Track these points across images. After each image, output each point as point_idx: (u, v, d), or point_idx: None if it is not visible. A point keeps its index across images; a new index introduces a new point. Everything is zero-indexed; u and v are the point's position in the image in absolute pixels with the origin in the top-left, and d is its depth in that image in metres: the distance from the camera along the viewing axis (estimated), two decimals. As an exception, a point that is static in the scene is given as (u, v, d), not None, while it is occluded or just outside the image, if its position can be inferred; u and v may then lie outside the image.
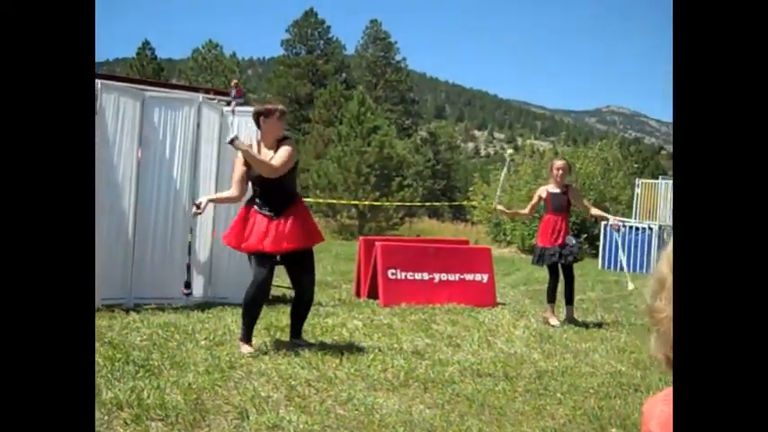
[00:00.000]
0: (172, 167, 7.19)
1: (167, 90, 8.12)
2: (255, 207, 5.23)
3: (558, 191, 7.28)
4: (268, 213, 5.18)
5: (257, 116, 5.36)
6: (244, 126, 7.65)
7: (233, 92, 8.29)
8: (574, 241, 7.25)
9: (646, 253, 16.38)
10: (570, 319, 7.18)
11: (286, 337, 5.65)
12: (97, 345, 5.09)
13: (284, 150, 5.20)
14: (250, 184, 5.34)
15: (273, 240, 5.13)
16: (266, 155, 5.23)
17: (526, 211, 7.83)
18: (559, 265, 7.15)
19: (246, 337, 5.27)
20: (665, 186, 19.02)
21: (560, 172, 7.31)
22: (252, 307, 5.27)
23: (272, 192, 5.22)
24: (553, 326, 6.84)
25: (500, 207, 8.25)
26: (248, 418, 3.64)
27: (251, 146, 5.28)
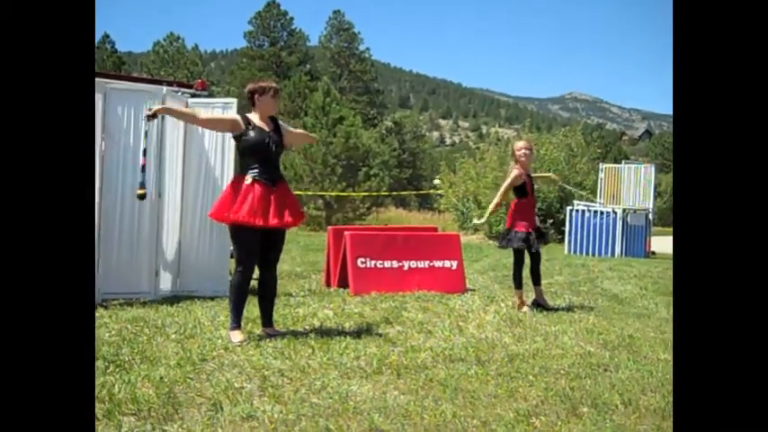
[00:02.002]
0: (136, 160, 7.07)
1: (129, 82, 7.99)
2: (253, 177, 5.20)
3: (525, 173, 7.25)
4: (267, 183, 5.23)
5: (251, 94, 5.38)
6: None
7: (195, 85, 8.22)
8: (542, 224, 7.33)
9: (610, 236, 16.59)
10: (540, 302, 7.23)
11: (257, 328, 5.62)
12: (65, 341, 5.02)
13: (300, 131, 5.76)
14: (233, 153, 5.34)
15: (276, 214, 5.20)
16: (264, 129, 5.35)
17: (508, 191, 7.30)
18: (526, 250, 7.18)
19: (237, 324, 5.31)
20: (627, 171, 19.27)
21: (526, 152, 7.20)
22: (242, 288, 5.33)
23: (271, 163, 5.32)
24: (523, 311, 6.89)
25: (479, 221, 7.97)
26: (222, 409, 3.62)
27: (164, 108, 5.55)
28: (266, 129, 5.34)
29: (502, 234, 7.49)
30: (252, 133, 5.26)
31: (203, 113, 5.46)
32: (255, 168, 5.24)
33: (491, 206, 7.46)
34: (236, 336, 5.22)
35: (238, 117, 5.37)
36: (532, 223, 7.17)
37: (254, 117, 5.36)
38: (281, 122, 5.53)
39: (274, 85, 5.49)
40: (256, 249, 5.29)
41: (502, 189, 7.23)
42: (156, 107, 5.36)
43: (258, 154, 5.26)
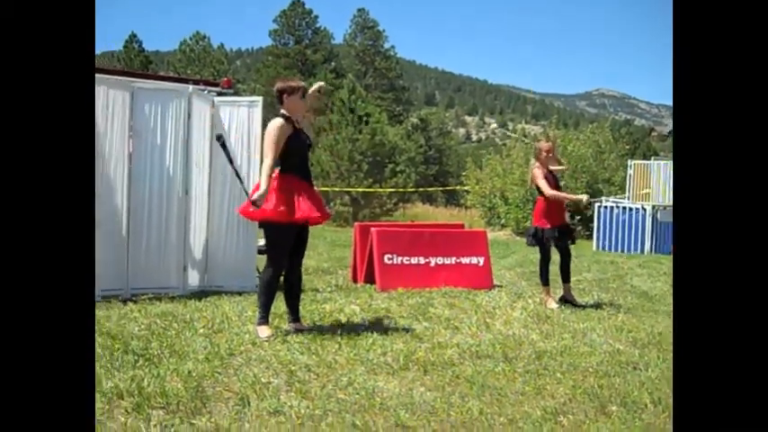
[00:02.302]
0: (164, 158, 7.14)
1: (157, 81, 8.05)
2: (297, 176, 5.27)
3: (549, 171, 7.23)
4: (308, 182, 5.36)
5: (280, 93, 5.38)
6: (235, 117, 7.62)
7: (221, 83, 8.26)
8: (571, 221, 7.26)
9: (639, 233, 16.42)
10: (568, 298, 7.18)
11: (284, 323, 5.64)
12: (96, 335, 5.08)
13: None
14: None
15: (319, 209, 5.32)
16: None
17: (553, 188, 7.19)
18: (554, 246, 7.15)
19: (265, 319, 5.36)
20: (656, 167, 19.06)
21: (551, 153, 7.27)
22: (272, 285, 5.36)
23: (308, 162, 5.48)
24: (551, 308, 6.84)
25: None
26: (249, 404, 3.64)
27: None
28: (300, 127, 5.41)
29: (528, 231, 7.48)
30: (297, 135, 5.30)
31: (269, 150, 5.28)
32: (298, 168, 5.31)
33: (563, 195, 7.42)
34: (264, 331, 5.26)
35: (284, 121, 5.26)
36: (557, 220, 7.10)
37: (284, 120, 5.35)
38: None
39: (303, 84, 5.50)
40: (290, 246, 5.36)
41: (548, 191, 7.11)
42: (256, 198, 5.11)
43: (301, 155, 5.34)
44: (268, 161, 5.11)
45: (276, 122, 5.25)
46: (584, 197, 7.41)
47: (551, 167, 7.29)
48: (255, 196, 5.04)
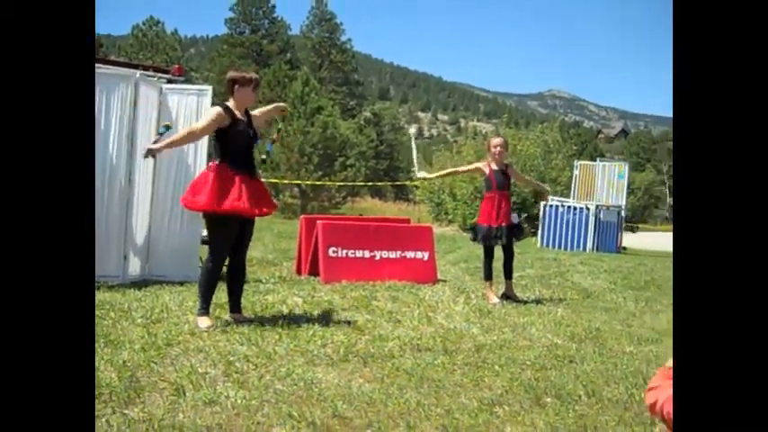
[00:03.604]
0: (107, 145, 6.99)
1: (102, 65, 7.87)
2: (234, 167, 5.19)
3: (497, 168, 7.30)
4: (249, 174, 5.28)
5: (232, 83, 5.34)
6: (184, 105, 7.50)
7: (172, 70, 8.11)
8: (517, 219, 7.29)
9: (583, 232, 16.72)
10: (509, 295, 7.26)
11: (225, 314, 5.59)
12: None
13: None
14: (217, 145, 5.27)
15: (257, 203, 5.24)
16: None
17: (459, 169, 7.60)
18: (498, 245, 7.22)
19: (206, 310, 5.30)
20: (602, 168, 19.43)
21: (498, 149, 7.28)
22: (213, 276, 5.33)
23: (250, 155, 5.40)
24: (493, 304, 6.91)
25: (427, 175, 8.02)
26: (185, 394, 3.59)
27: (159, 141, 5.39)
28: (244, 120, 5.35)
29: (471, 227, 7.57)
30: (235, 126, 5.23)
31: (197, 126, 5.33)
32: (237, 159, 5.24)
33: (440, 173, 7.66)
34: (204, 321, 5.20)
35: (222, 110, 5.23)
36: (497, 218, 7.14)
37: (232, 107, 5.31)
38: (251, 112, 5.53)
39: (256, 76, 5.47)
40: (233, 238, 5.32)
41: (455, 168, 7.53)
42: (153, 146, 5.24)
43: (240, 146, 5.27)
44: (187, 130, 5.35)
45: (214, 109, 5.27)
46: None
47: (534, 181, 7.45)
48: (149, 146, 5.27)
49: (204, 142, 7.24)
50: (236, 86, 5.32)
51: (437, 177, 7.59)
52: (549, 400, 3.78)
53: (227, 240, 5.29)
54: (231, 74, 5.43)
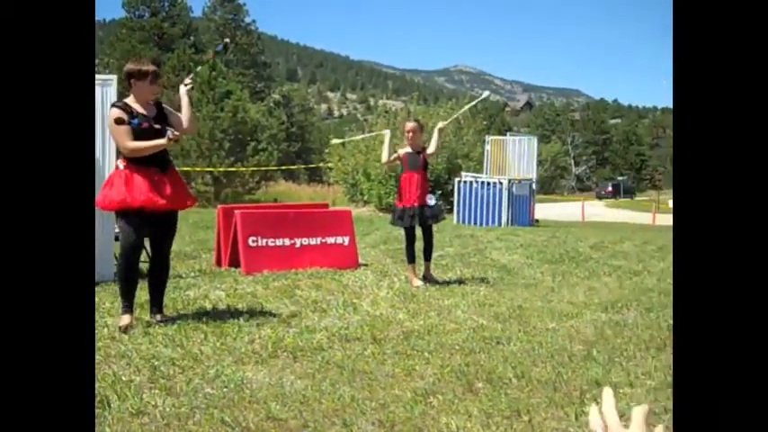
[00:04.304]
0: None
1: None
2: (136, 164, 4.99)
3: (412, 151, 7.30)
4: (156, 169, 5.07)
5: (128, 77, 5.09)
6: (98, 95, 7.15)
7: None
8: (433, 201, 7.26)
9: (497, 206, 17.03)
10: (428, 277, 7.30)
11: (145, 314, 5.41)
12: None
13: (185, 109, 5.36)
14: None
15: (166, 196, 5.03)
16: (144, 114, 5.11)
17: (388, 159, 7.46)
18: (416, 226, 7.23)
19: (127, 308, 5.12)
20: (512, 143, 19.81)
21: (410, 134, 7.29)
22: (126, 273, 5.14)
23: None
24: (416, 286, 6.95)
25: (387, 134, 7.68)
26: (109, 405, 3.45)
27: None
28: (146, 113, 5.11)
29: (392, 210, 7.57)
30: (134, 121, 5.01)
31: (130, 145, 4.98)
32: (141, 156, 5.03)
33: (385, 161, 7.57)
34: (123, 320, 5.04)
35: (118, 112, 5.00)
36: (412, 199, 7.16)
37: (132, 103, 5.10)
38: (165, 107, 5.34)
39: (152, 68, 5.18)
40: (141, 233, 5.15)
41: (384, 162, 7.56)
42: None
43: (140, 139, 5.01)
44: (129, 145, 4.97)
45: (111, 114, 5.05)
46: (440, 124, 7.61)
47: (434, 140, 7.37)
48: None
49: (111, 139, 6.94)
50: (133, 80, 5.10)
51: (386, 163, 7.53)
52: (480, 385, 3.83)
53: (134, 236, 5.08)
54: (127, 66, 5.17)
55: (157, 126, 5.09)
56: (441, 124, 7.51)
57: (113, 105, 5.16)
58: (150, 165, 5.04)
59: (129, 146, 4.97)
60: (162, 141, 4.99)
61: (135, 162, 5.00)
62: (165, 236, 5.35)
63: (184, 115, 5.37)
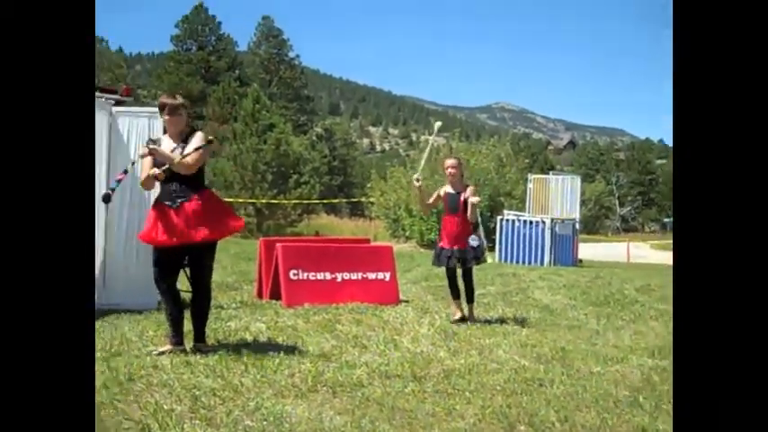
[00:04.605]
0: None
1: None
2: (157, 198, 5.24)
3: (452, 191, 7.18)
4: (165, 203, 5.16)
5: (160, 110, 5.33)
6: (135, 128, 7.33)
7: (120, 91, 7.94)
8: (477, 243, 7.10)
9: (540, 245, 16.87)
10: (470, 319, 7.19)
11: (188, 343, 5.44)
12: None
13: (194, 147, 5.17)
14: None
15: (174, 231, 5.08)
16: (168, 148, 5.18)
17: (429, 201, 7.34)
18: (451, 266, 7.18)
19: (170, 337, 5.33)
20: (555, 181, 19.69)
21: (450, 170, 7.20)
22: (165, 304, 5.34)
23: (172, 180, 5.14)
24: (456, 319, 6.89)
25: (417, 182, 7.29)
26: (151, 434, 3.47)
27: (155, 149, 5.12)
28: (171, 145, 5.22)
29: (434, 249, 7.46)
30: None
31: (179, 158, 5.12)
32: (160, 189, 5.24)
33: (425, 194, 7.35)
34: (165, 345, 5.25)
35: (143, 147, 5.22)
36: (452, 242, 7.10)
37: (164, 137, 5.33)
38: (195, 138, 5.29)
39: (167, 101, 5.29)
40: (167, 266, 5.28)
41: (426, 203, 7.36)
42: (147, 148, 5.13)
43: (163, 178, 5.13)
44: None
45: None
46: (474, 199, 7.16)
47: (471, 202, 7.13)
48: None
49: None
50: (161, 114, 5.34)
51: (421, 195, 7.32)
52: (522, 428, 3.75)
53: (161, 269, 5.24)
54: (159, 100, 5.41)
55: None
56: (473, 199, 7.13)
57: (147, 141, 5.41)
58: (159, 200, 5.23)
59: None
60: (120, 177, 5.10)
61: (156, 198, 5.29)
62: (196, 269, 5.42)
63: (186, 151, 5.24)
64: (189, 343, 5.43)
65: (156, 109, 7.50)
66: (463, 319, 7.08)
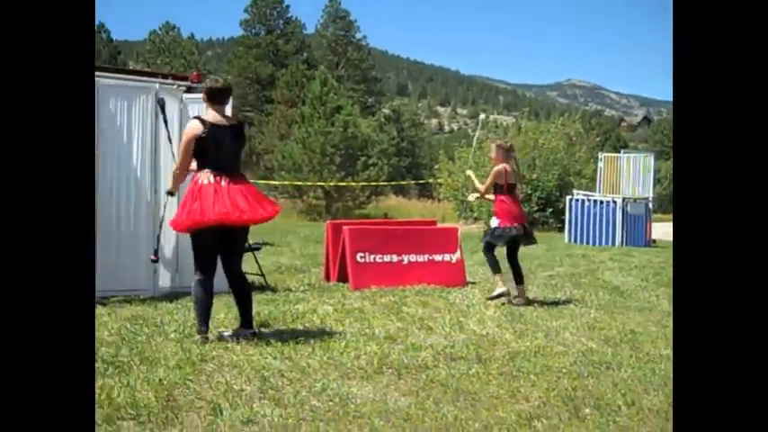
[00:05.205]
0: (131, 157, 7.04)
1: (123, 77, 7.90)
2: (211, 173, 5.04)
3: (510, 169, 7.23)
4: (228, 177, 5.08)
5: (226, 93, 5.37)
6: (204, 113, 7.49)
7: (191, 77, 8.12)
8: (494, 223, 7.25)
9: (611, 226, 16.54)
10: (523, 297, 7.22)
11: (257, 325, 5.59)
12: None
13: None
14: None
15: (234, 209, 4.98)
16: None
17: (487, 195, 7.39)
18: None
19: (203, 330, 5.14)
20: (626, 160, 19.24)
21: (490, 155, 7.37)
22: (200, 293, 5.12)
23: (225, 158, 5.15)
24: (498, 292, 6.96)
25: (472, 197, 7.82)
26: (221, 413, 3.59)
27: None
28: (224, 124, 5.16)
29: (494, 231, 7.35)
30: (211, 130, 5.06)
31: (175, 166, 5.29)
32: (213, 164, 5.07)
33: (478, 194, 7.44)
34: (229, 330, 5.28)
35: (197, 123, 5.11)
36: (516, 218, 7.14)
37: (209, 116, 5.17)
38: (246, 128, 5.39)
39: (210, 85, 5.33)
40: (212, 251, 5.13)
41: (482, 188, 7.33)
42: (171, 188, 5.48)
43: (214, 149, 5.06)
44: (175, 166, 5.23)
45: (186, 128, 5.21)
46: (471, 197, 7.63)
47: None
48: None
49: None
50: (205, 97, 5.32)
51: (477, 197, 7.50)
52: (587, 411, 3.73)
53: (206, 254, 5.10)
54: (206, 83, 5.42)
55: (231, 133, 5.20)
56: (471, 197, 7.68)
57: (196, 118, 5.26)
58: (220, 175, 5.09)
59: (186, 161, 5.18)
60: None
61: (203, 173, 5.11)
62: (235, 249, 5.33)
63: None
64: (262, 327, 5.56)
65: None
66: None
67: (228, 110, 5.47)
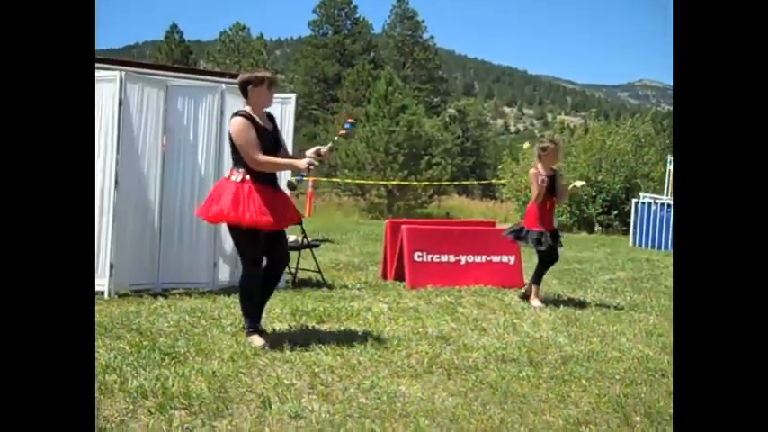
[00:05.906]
0: (196, 155, 7.24)
1: (190, 78, 8.11)
2: (255, 180, 4.86)
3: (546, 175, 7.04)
4: (269, 184, 4.97)
5: (245, 84, 4.95)
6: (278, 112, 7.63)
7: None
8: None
9: (677, 230, 16.12)
10: (526, 295, 7.16)
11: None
12: (124, 331, 5.16)
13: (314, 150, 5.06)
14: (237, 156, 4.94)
15: (281, 217, 4.95)
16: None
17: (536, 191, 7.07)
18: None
19: (254, 328, 5.06)
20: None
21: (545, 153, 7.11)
22: (248, 290, 5.04)
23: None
24: (535, 307, 6.82)
25: (579, 183, 7.44)
26: (270, 407, 3.65)
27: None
28: (267, 127, 5.01)
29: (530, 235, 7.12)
30: (258, 132, 4.89)
31: (260, 158, 4.83)
32: (260, 172, 4.89)
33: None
34: (257, 340, 4.94)
35: (245, 119, 4.86)
36: (546, 224, 7.06)
37: (250, 112, 4.95)
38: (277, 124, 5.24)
39: (269, 75, 5.08)
40: (257, 248, 4.99)
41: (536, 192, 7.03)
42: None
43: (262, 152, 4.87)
44: (259, 158, 4.80)
45: (237, 123, 4.86)
46: (578, 183, 7.32)
47: (565, 184, 7.14)
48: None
49: (289, 146, 7.34)
50: (250, 87, 4.93)
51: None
52: (638, 419, 3.66)
53: (252, 251, 4.95)
54: (243, 76, 5.06)
55: (274, 136, 5.05)
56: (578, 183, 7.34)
57: (237, 113, 4.96)
58: (260, 181, 4.90)
59: (261, 159, 4.83)
60: (301, 165, 4.82)
61: (253, 179, 4.87)
62: (279, 244, 5.16)
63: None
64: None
65: (290, 95, 7.83)
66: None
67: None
